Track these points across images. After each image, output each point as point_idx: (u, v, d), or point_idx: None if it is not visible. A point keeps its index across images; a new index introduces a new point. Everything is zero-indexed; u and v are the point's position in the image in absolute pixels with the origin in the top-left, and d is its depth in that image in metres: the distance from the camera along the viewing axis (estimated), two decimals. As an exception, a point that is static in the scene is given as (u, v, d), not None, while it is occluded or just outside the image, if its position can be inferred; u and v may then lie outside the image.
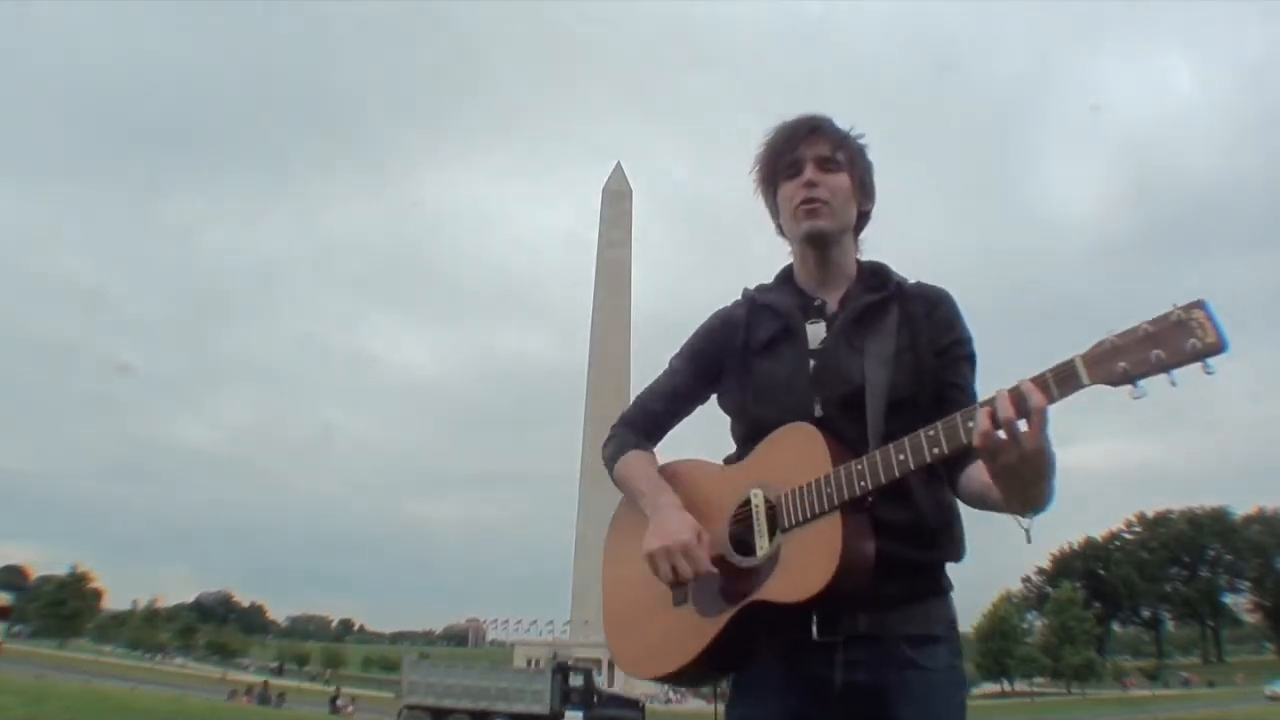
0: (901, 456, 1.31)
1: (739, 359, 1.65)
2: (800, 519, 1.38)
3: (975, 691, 64.75)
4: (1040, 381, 1.19)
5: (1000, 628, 63.25)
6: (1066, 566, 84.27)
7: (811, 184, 1.60)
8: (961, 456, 1.33)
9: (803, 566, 1.35)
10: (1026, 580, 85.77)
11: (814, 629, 1.39)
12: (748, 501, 1.46)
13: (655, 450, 1.76)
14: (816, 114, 1.66)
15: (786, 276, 1.73)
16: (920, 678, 1.41)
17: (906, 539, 1.42)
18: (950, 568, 1.53)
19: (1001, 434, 1.18)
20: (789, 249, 1.73)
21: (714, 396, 1.73)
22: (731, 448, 1.66)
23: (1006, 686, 66.60)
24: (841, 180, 1.62)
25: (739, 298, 1.75)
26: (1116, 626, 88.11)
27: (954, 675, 1.47)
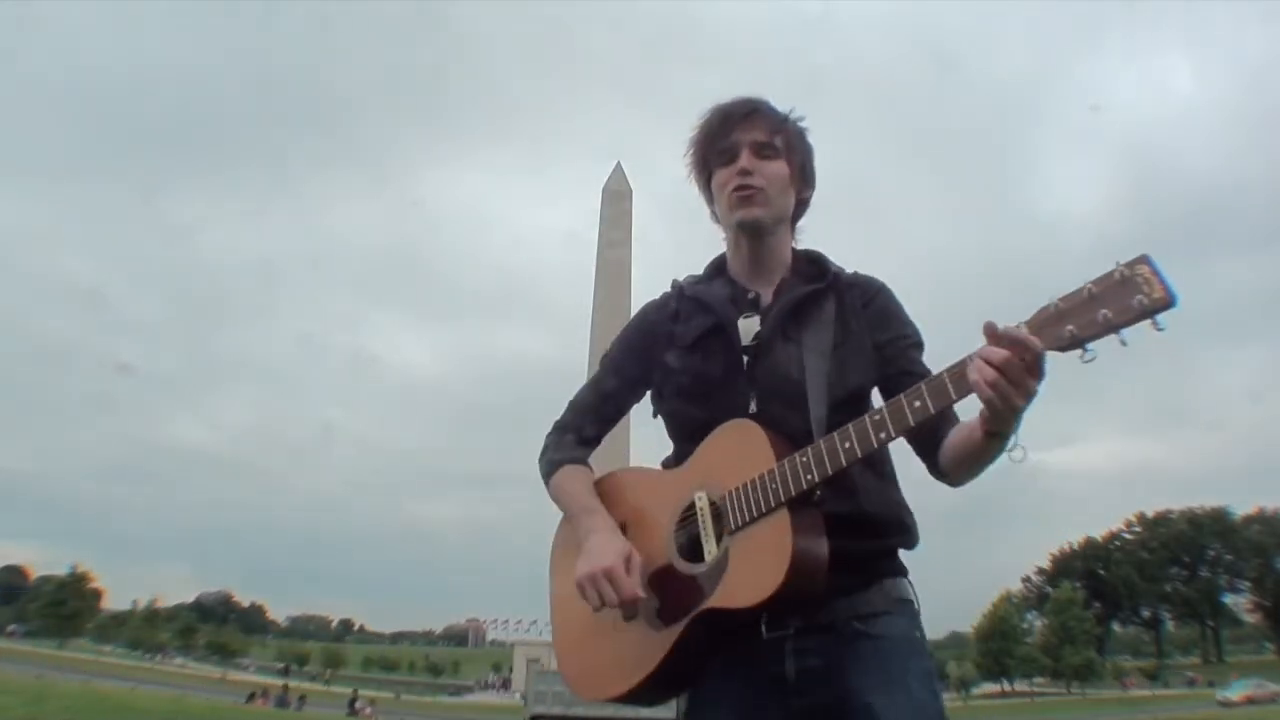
0: (848, 444, 1.26)
1: (669, 356, 1.58)
2: (746, 519, 1.32)
3: (975, 691, 64.81)
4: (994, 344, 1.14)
5: (1000, 628, 63.13)
6: (1066, 566, 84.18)
7: (746, 172, 1.53)
8: (928, 433, 1.32)
9: (752, 569, 1.29)
10: (1026, 580, 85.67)
11: (763, 627, 1.35)
12: (692, 505, 1.40)
13: (610, 444, 1.72)
14: (753, 96, 1.58)
15: (719, 267, 1.67)
16: (871, 645, 1.37)
17: (854, 533, 1.38)
18: (910, 559, 1.50)
19: (1005, 380, 1.13)
20: (723, 237, 1.66)
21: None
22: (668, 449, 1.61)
23: (1006, 686, 66.56)
24: (778, 168, 1.55)
25: (668, 289, 1.67)
26: (1116, 626, 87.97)
27: (911, 645, 1.41)
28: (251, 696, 26.24)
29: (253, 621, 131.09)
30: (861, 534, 1.40)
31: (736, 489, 1.34)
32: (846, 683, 1.34)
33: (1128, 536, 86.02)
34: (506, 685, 68.47)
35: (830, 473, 1.27)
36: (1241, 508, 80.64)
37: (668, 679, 1.41)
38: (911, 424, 1.22)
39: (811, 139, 1.62)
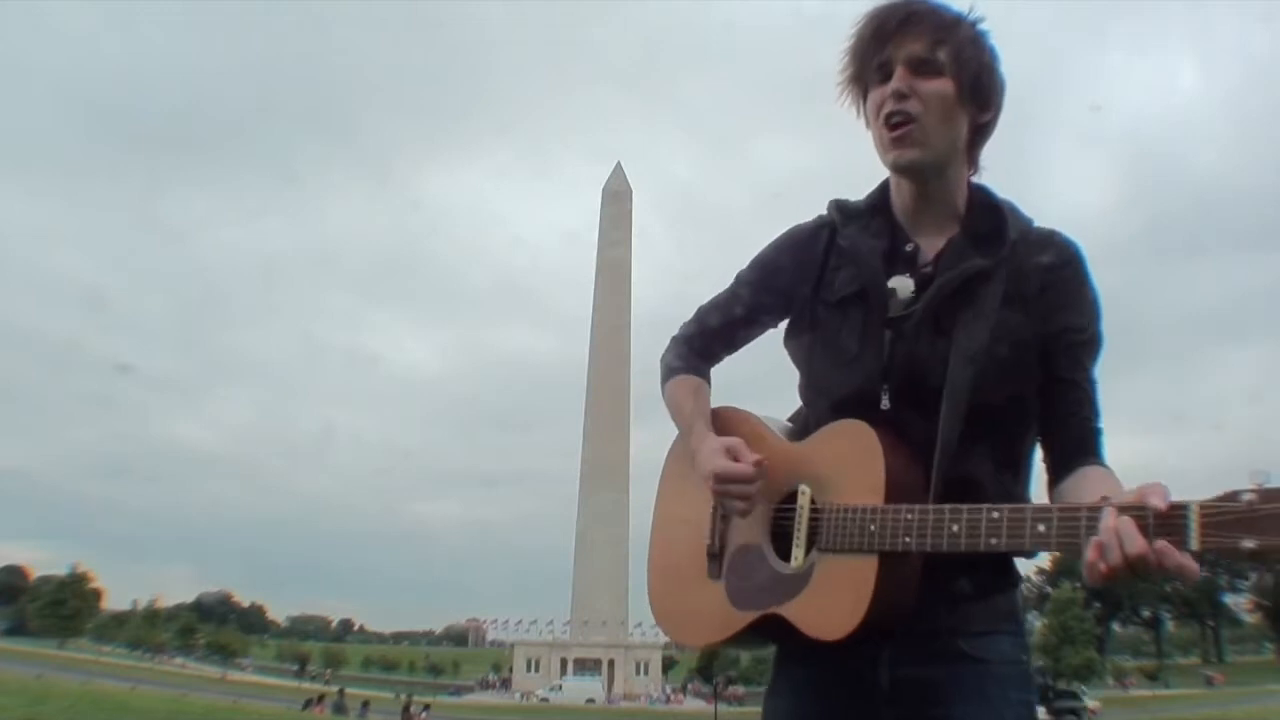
0: (955, 528, 1.11)
1: (809, 305, 1.38)
2: (837, 545, 1.20)
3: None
4: (1137, 517, 0.96)
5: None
6: (1066, 566, 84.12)
7: (900, 94, 1.24)
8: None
9: (829, 602, 1.20)
10: (1026, 580, 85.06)
11: None
12: (793, 496, 1.29)
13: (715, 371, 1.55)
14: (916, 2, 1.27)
15: (879, 200, 1.39)
16: (976, 671, 1.23)
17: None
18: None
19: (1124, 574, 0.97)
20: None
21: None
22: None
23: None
24: (941, 87, 1.25)
25: (824, 213, 1.43)
26: (1116, 626, 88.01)
27: (1018, 670, 1.26)
28: (308, 703, 25.80)
29: (253, 621, 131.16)
30: None
31: (838, 508, 1.21)
32: (943, 706, 1.22)
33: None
34: (506, 685, 68.51)
35: (929, 549, 1.13)
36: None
37: (740, 646, 1.44)
38: (1027, 549, 1.09)
39: (994, 41, 1.31)
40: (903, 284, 1.29)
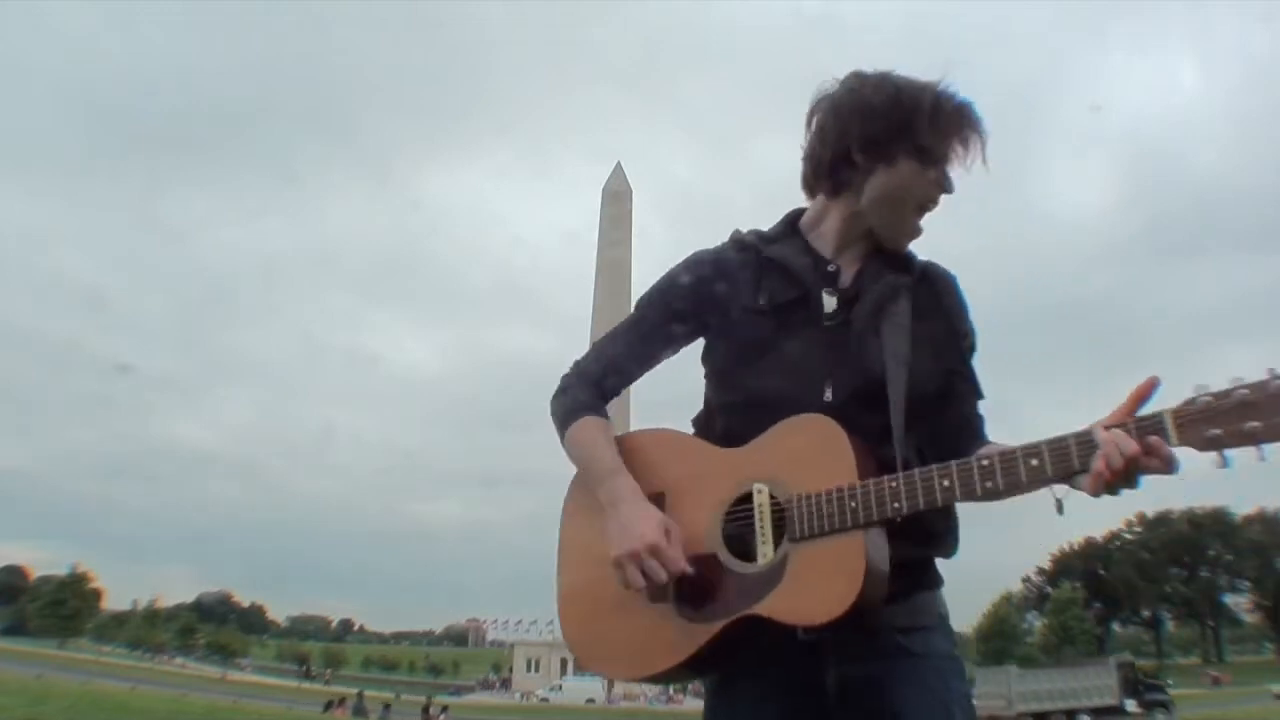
0: (947, 483, 1.19)
1: (736, 316, 1.43)
2: (815, 531, 1.22)
3: (975, 691, 64.78)
4: (1123, 428, 1.10)
5: (1000, 628, 63.19)
6: (1066, 566, 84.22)
7: (935, 201, 1.43)
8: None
9: (817, 588, 1.20)
10: (1026, 580, 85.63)
11: (799, 629, 1.25)
12: (748, 497, 1.29)
13: (612, 406, 1.54)
14: (974, 109, 1.39)
15: (790, 227, 1.51)
16: (915, 664, 1.31)
17: (910, 540, 1.30)
18: (941, 564, 1.44)
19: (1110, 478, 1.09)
20: (808, 202, 1.52)
21: (686, 350, 1.52)
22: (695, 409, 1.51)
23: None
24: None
25: (727, 241, 1.52)
26: (1116, 626, 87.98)
27: (954, 663, 1.37)
28: (329, 705, 25.54)
29: (253, 621, 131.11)
30: (918, 542, 1.33)
31: (809, 496, 1.24)
32: (889, 700, 1.28)
33: (1128, 536, 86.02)
34: (506, 685, 68.50)
35: (921, 508, 1.19)
36: (1241, 508, 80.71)
37: (693, 669, 1.34)
38: (1023, 481, 1.15)
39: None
40: (828, 299, 1.41)
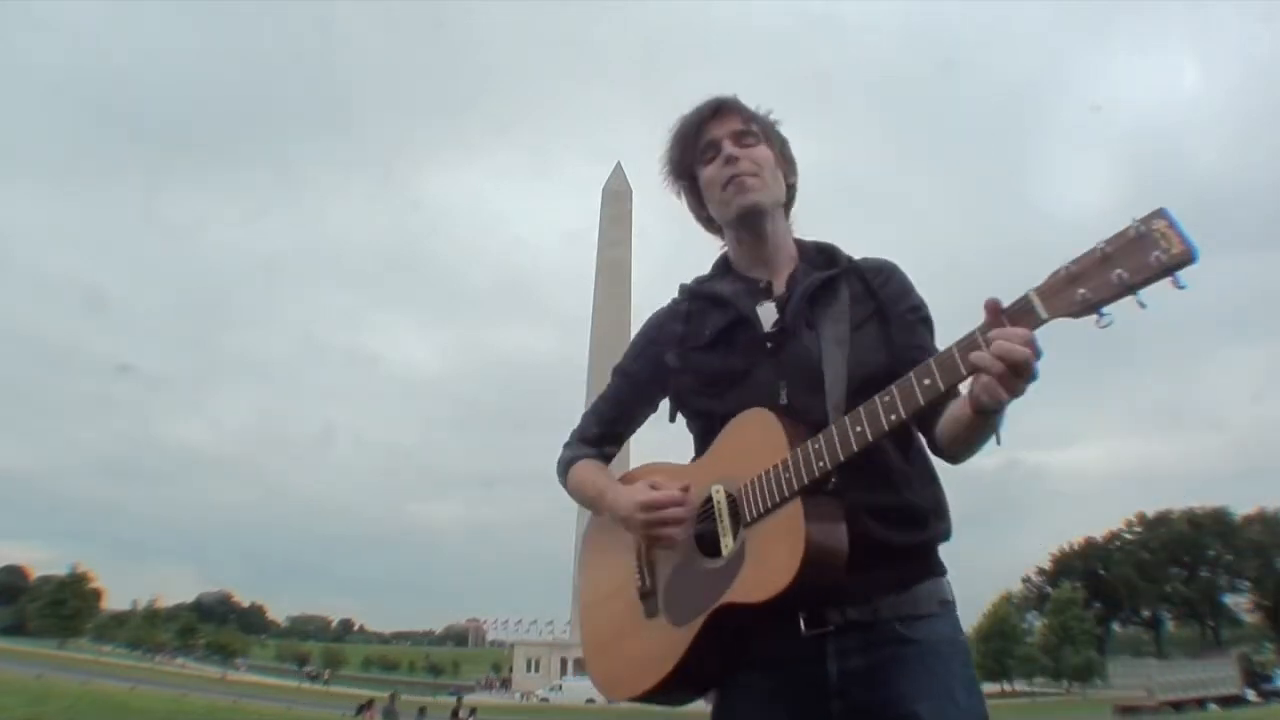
0: (859, 428, 1.21)
1: (691, 356, 1.55)
2: (761, 510, 1.29)
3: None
4: (995, 326, 1.10)
5: (1000, 628, 63.14)
6: (1066, 566, 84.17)
7: (733, 158, 1.51)
8: (929, 409, 1.23)
9: (766, 561, 1.26)
10: (1026, 580, 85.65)
11: (801, 624, 1.31)
12: (710, 499, 1.38)
13: (613, 462, 1.70)
14: (719, 94, 1.58)
15: (724, 266, 1.64)
16: (916, 649, 1.33)
17: (891, 522, 1.35)
18: (943, 559, 1.46)
19: (1000, 386, 1.09)
20: (720, 243, 1.66)
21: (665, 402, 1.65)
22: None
23: (1006, 687, 66.54)
24: (763, 152, 1.55)
25: (675, 296, 1.66)
26: (1116, 626, 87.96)
27: (956, 649, 1.38)
28: (361, 708, 25.36)
29: (253, 621, 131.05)
30: (904, 525, 1.37)
31: (752, 481, 1.31)
32: (892, 688, 1.30)
33: (1128, 536, 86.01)
34: (506, 685, 68.46)
35: (842, 458, 1.23)
36: (1241, 508, 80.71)
37: (688, 677, 1.38)
38: (921, 403, 1.17)
39: (783, 130, 1.63)
40: (766, 310, 1.51)
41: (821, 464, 1.23)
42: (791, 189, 1.61)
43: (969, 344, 1.13)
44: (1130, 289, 1.00)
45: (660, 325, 1.64)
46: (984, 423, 1.21)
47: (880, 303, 1.48)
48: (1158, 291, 1.00)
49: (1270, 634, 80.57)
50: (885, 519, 1.34)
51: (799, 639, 1.31)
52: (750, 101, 1.61)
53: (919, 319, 1.51)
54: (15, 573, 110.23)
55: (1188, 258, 0.97)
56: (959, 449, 1.35)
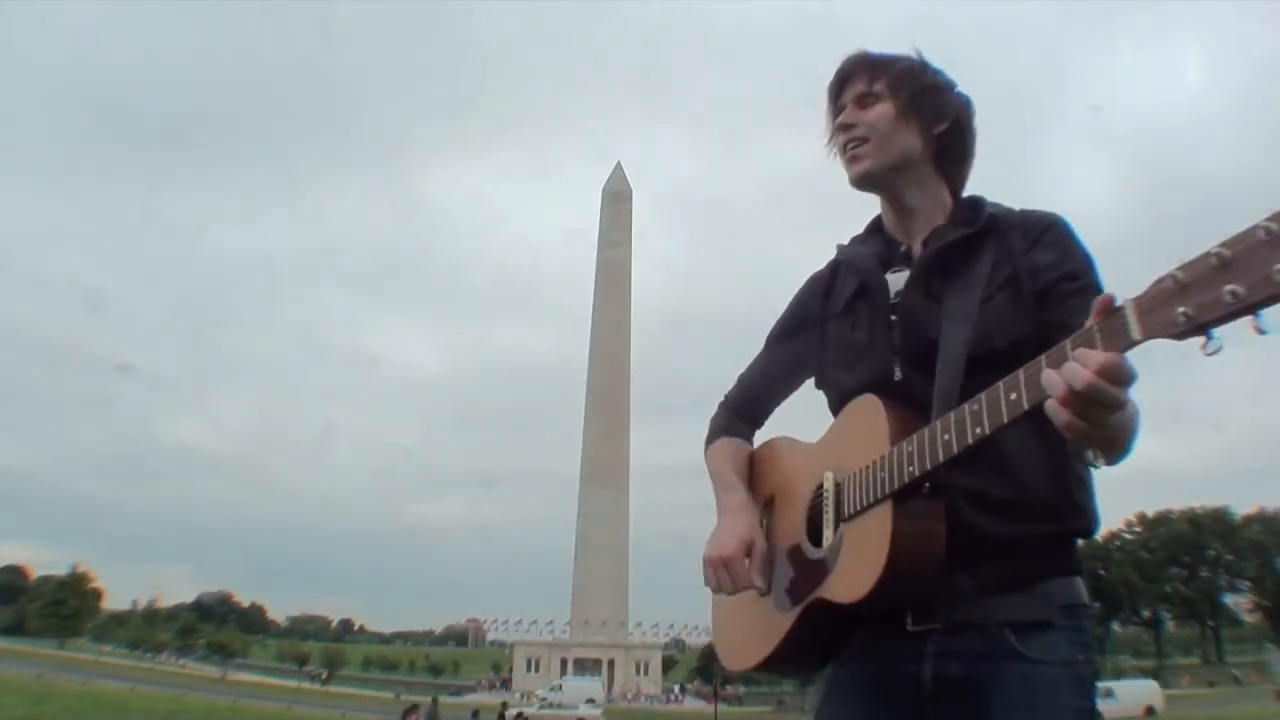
0: (946, 436, 1.11)
1: (827, 324, 1.50)
2: (858, 507, 1.22)
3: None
4: (1084, 341, 0.94)
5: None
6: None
7: (844, 126, 1.43)
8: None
9: (853, 565, 1.21)
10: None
11: (908, 619, 1.23)
12: (822, 485, 1.33)
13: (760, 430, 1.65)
14: (854, 53, 1.48)
15: (876, 225, 1.54)
16: (1024, 671, 1.17)
17: (1004, 513, 1.21)
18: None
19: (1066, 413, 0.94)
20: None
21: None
22: None
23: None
24: (881, 111, 1.40)
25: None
26: (1116, 626, 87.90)
27: (1073, 672, 1.20)
28: (407, 713, 25.27)
29: (253, 621, 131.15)
30: (1019, 517, 1.22)
31: (855, 474, 1.25)
32: (986, 707, 1.18)
33: (1128, 536, 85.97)
34: (506, 685, 68.48)
35: (930, 468, 1.13)
36: (1241, 508, 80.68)
37: (792, 657, 1.38)
38: (1005, 420, 1.03)
39: (941, 68, 1.46)
40: (899, 277, 1.40)
41: (911, 469, 1.14)
42: (941, 139, 1.41)
43: (1057, 356, 0.97)
44: (1248, 309, 0.79)
45: (805, 290, 1.60)
46: (1082, 443, 1.03)
47: (1017, 269, 1.31)
48: None
49: (1270, 634, 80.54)
50: (996, 510, 1.21)
51: (902, 636, 1.23)
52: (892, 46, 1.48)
53: (1077, 289, 1.25)
54: (15, 573, 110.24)
55: None
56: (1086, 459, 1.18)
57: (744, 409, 1.66)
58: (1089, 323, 0.94)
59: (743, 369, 1.69)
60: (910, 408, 1.25)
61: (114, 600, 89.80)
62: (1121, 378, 0.92)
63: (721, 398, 1.70)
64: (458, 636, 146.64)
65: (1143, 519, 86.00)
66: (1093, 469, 1.25)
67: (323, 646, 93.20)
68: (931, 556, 1.16)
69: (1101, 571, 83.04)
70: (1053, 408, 0.95)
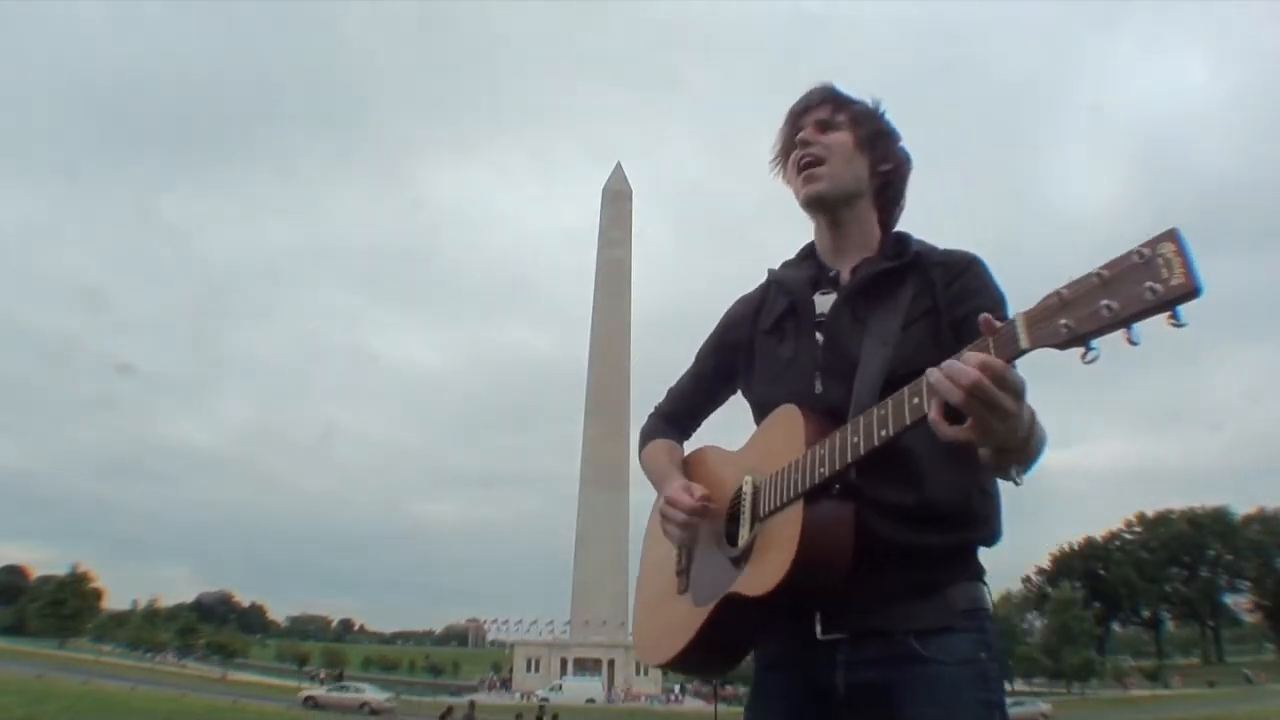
0: (855, 439, 1.19)
1: (755, 341, 1.59)
2: (773, 507, 1.30)
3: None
4: (979, 347, 1.03)
5: (1000, 628, 62.79)
6: (1066, 566, 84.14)
7: (805, 142, 1.52)
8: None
9: (766, 559, 1.28)
10: (1026, 580, 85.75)
11: (818, 626, 1.30)
12: (741, 488, 1.41)
13: (690, 439, 1.75)
14: (823, 83, 1.59)
15: (808, 251, 1.63)
16: (928, 673, 1.25)
17: (910, 523, 1.28)
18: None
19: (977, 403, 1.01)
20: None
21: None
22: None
23: (1007, 687, 66.53)
24: (841, 138, 1.51)
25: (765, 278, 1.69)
26: (1116, 626, 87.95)
27: (975, 669, 1.28)
28: (443, 716, 25.23)
29: (253, 621, 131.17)
30: (924, 527, 1.29)
31: (771, 477, 1.33)
32: (897, 709, 1.25)
33: (1128, 536, 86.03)
34: (506, 685, 68.43)
35: (839, 468, 1.20)
36: (1241, 508, 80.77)
37: (704, 654, 1.44)
38: (908, 422, 1.11)
39: (890, 125, 1.58)
40: (826, 299, 1.50)
41: (823, 470, 1.22)
42: (883, 177, 1.54)
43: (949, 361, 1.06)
44: (1120, 323, 0.89)
45: (736, 307, 1.69)
46: (988, 457, 1.08)
47: (937, 301, 1.40)
48: (1154, 325, 0.87)
49: (1270, 634, 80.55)
50: (903, 519, 1.28)
51: (815, 642, 1.30)
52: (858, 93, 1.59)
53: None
54: (15, 573, 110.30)
55: (1189, 291, 0.84)
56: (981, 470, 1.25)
57: (674, 418, 1.76)
58: (976, 342, 1.03)
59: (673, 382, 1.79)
60: (827, 417, 1.32)
61: (114, 600, 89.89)
62: (1006, 381, 1.00)
63: (652, 409, 1.80)
64: (458, 636, 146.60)
65: (1143, 519, 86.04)
66: (999, 482, 1.32)
67: (323, 646, 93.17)
68: (839, 552, 1.23)
69: (1101, 571, 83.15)
70: (934, 419, 1.04)
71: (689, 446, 1.74)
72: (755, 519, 1.35)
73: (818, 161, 1.51)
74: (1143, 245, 0.88)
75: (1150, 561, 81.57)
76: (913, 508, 1.29)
